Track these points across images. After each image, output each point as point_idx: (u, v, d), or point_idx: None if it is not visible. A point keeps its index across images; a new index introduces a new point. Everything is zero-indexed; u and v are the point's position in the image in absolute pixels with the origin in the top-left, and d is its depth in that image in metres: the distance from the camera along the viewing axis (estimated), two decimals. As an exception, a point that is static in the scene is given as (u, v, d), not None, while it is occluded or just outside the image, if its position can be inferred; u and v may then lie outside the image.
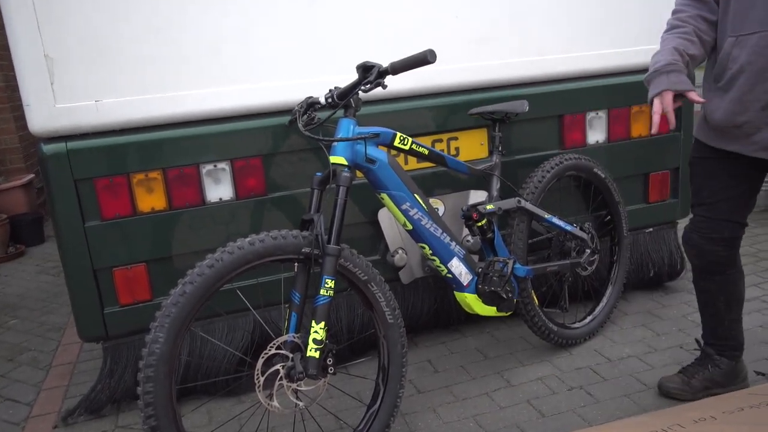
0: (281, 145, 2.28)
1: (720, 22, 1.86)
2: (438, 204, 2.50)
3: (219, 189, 2.26)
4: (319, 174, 1.89)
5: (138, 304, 2.25)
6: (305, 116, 2.04)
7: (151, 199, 2.19)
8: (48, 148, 2.06)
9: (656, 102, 1.81)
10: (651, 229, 2.99)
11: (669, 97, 1.80)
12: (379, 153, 1.92)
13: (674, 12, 1.95)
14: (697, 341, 2.22)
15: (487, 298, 2.21)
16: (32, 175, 5.27)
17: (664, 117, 1.81)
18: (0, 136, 5.26)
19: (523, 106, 2.30)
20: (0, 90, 5.18)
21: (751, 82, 1.77)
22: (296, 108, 2.06)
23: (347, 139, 1.82)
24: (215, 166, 2.23)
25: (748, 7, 1.75)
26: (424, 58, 1.66)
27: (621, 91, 2.71)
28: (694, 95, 1.79)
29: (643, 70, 2.73)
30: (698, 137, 2.01)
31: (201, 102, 2.16)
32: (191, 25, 2.11)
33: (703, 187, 1.99)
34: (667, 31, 1.92)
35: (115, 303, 2.23)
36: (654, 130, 1.80)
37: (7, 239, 4.63)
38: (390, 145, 1.98)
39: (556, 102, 2.61)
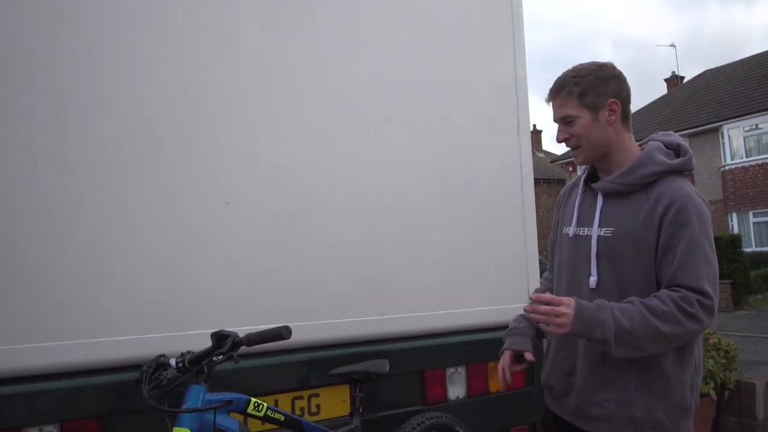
0: (125, 404, 2.07)
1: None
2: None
3: (42, 456, 1.96)
4: (161, 447, 1.71)
5: None
6: (153, 377, 1.90)
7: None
8: None
9: (500, 360, 1.93)
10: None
11: (506, 356, 1.91)
12: (230, 423, 1.80)
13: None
14: None
15: None
16: None
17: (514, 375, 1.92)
18: None
19: (384, 366, 2.31)
20: None
21: (556, 348, 1.92)
22: (144, 368, 1.92)
23: (196, 410, 1.69)
24: (41, 429, 1.96)
25: (559, 279, 1.96)
26: (279, 334, 1.66)
27: (478, 346, 2.82)
28: (529, 355, 1.89)
29: (498, 328, 2.91)
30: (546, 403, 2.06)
31: (33, 356, 1.96)
32: (29, 274, 2.00)
33: None
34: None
35: None
36: (501, 384, 1.91)
37: None
38: (243, 413, 1.86)
39: (418, 358, 2.66)
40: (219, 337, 1.72)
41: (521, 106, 3.08)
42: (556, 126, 1.86)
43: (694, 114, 19.97)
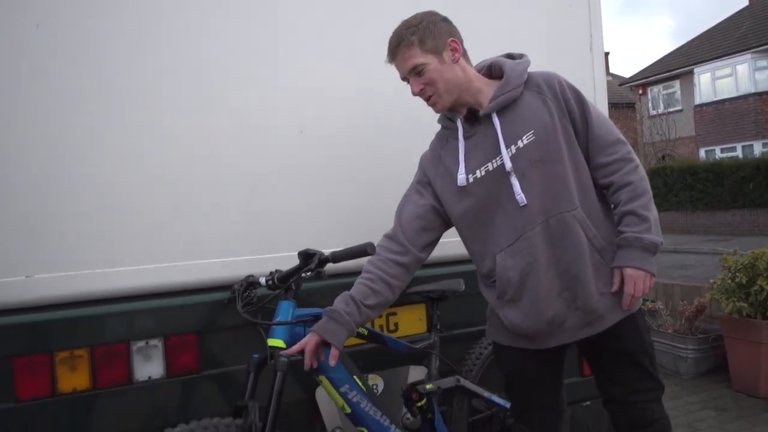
0: (219, 321, 2.24)
1: (477, 249, 1.94)
2: (377, 380, 2.46)
3: (149, 366, 2.15)
4: (255, 356, 1.85)
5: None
6: (245, 295, 2.04)
7: (73, 379, 2.06)
8: (-33, 325, 1.95)
9: (307, 338, 1.83)
10: (588, 403, 2.99)
11: (313, 341, 1.81)
12: (318, 335, 1.91)
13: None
14: None
15: (428, 484, 2.11)
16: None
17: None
18: None
19: (460, 285, 2.38)
20: None
21: (535, 280, 1.81)
22: (235, 287, 2.06)
23: (286, 323, 1.82)
24: (147, 342, 2.15)
25: (499, 223, 1.85)
26: (364, 251, 1.74)
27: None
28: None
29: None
30: (511, 344, 1.97)
31: (136, 277, 2.13)
32: (128, 203, 2.14)
33: (525, 390, 2.01)
34: (362, 271, 1.94)
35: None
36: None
37: None
38: (329, 326, 1.97)
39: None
40: (306, 256, 1.82)
41: (594, 22, 2.96)
42: (409, 84, 1.90)
43: (776, 29, 18.61)
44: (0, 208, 1.98)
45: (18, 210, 2.01)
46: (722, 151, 20.29)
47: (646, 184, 1.89)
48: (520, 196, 1.79)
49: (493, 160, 1.83)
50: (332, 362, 1.80)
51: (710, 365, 4.43)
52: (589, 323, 1.85)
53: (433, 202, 1.94)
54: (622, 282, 1.84)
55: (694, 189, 16.92)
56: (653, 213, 1.86)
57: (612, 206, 1.94)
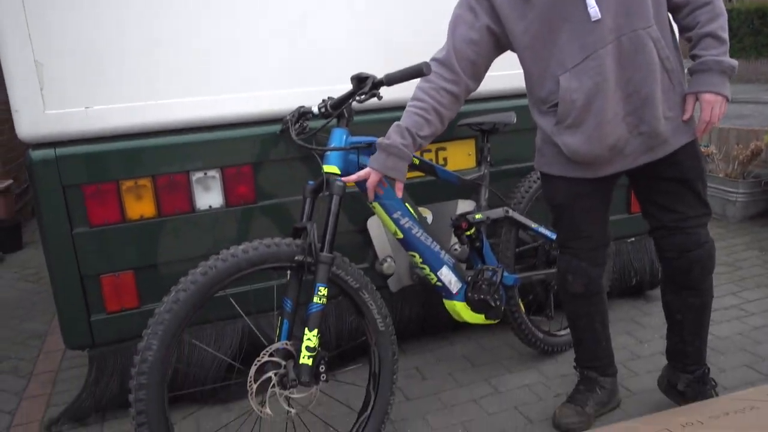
0: (272, 153, 2.29)
1: (537, 72, 1.84)
2: (426, 213, 2.53)
3: (209, 196, 2.26)
4: (311, 183, 1.90)
5: (125, 311, 2.24)
6: (297, 125, 2.06)
7: (140, 207, 2.18)
8: (36, 155, 2.05)
9: (369, 174, 1.83)
10: (633, 239, 3.04)
11: (375, 178, 1.83)
12: (371, 162, 1.94)
13: (423, 78, 1.86)
14: (576, 368, 2.23)
15: (476, 306, 2.24)
16: (11, 181, 5.19)
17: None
18: (-22, 141, 5.18)
19: (511, 117, 2.34)
20: (-22, 94, 5.09)
21: (601, 102, 1.73)
22: (288, 117, 2.07)
23: (341, 149, 1.84)
24: (205, 173, 2.23)
25: (564, 42, 1.74)
26: (420, 71, 1.69)
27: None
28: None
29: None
30: (563, 174, 1.95)
31: (192, 110, 2.17)
32: (183, 35, 2.12)
33: (575, 220, 2.00)
34: (411, 99, 1.88)
35: (101, 310, 2.22)
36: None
37: (-16, 246, 4.55)
38: (382, 154, 1.99)
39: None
40: (359, 80, 1.79)
41: None
42: None
43: None
44: (59, 39, 1.99)
45: (77, 42, 2.01)
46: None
47: (722, 3, 1.77)
48: (594, 10, 1.67)
49: None
50: (399, 194, 1.86)
51: (759, 209, 4.39)
52: (651, 148, 1.81)
53: (488, 21, 1.82)
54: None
55: (761, 34, 15.74)
56: (725, 33, 1.76)
57: (682, 29, 1.82)
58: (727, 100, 1.77)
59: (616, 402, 2.20)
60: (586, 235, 2.02)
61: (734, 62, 1.75)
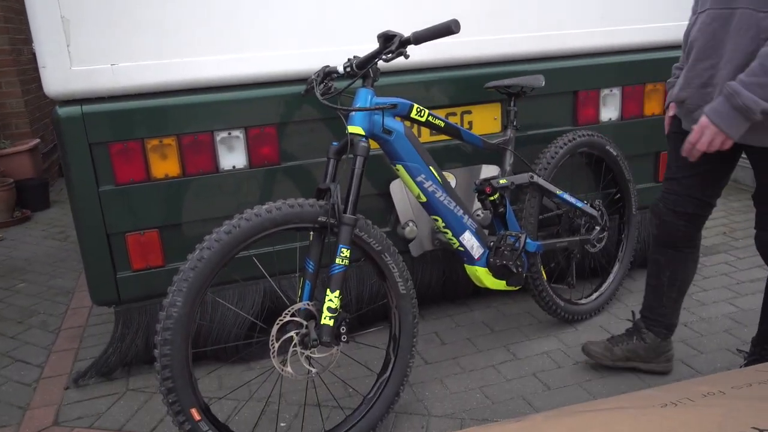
0: (296, 114, 2.27)
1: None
2: (450, 177, 2.51)
3: (233, 157, 2.26)
4: (335, 144, 1.89)
5: (150, 269, 2.27)
6: (322, 85, 2.03)
7: (164, 165, 2.19)
8: (63, 111, 2.06)
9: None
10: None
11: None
12: (396, 124, 1.91)
13: None
14: (633, 313, 2.29)
15: (498, 272, 2.23)
16: (38, 140, 5.25)
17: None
18: (6, 100, 5.22)
19: (540, 80, 2.29)
20: (5, 53, 5.13)
21: (694, 59, 1.81)
22: (313, 77, 2.04)
23: (366, 109, 1.82)
24: (229, 133, 2.23)
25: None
26: (448, 28, 1.64)
27: (635, 68, 2.70)
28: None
29: (659, 48, 2.73)
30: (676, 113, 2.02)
31: (217, 68, 2.15)
32: (208, -9, 2.10)
33: (674, 161, 2.02)
34: None
35: (127, 268, 2.25)
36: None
37: (13, 204, 4.63)
38: (407, 117, 1.97)
39: (571, 78, 2.60)
40: (386, 38, 1.75)
41: None
42: None
43: None
44: (78, -6, 1.98)
45: (96, -4, 2.00)
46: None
47: None
48: None
49: None
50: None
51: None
52: None
53: None
54: None
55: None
56: None
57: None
58: (728, 136, 1.65)
59: (656, 362, 2.20)
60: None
61: (754, 105, 1.58)
